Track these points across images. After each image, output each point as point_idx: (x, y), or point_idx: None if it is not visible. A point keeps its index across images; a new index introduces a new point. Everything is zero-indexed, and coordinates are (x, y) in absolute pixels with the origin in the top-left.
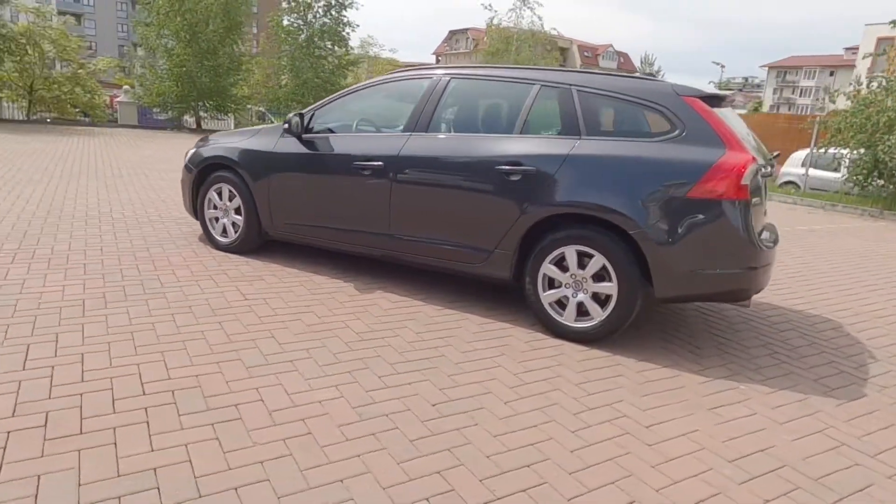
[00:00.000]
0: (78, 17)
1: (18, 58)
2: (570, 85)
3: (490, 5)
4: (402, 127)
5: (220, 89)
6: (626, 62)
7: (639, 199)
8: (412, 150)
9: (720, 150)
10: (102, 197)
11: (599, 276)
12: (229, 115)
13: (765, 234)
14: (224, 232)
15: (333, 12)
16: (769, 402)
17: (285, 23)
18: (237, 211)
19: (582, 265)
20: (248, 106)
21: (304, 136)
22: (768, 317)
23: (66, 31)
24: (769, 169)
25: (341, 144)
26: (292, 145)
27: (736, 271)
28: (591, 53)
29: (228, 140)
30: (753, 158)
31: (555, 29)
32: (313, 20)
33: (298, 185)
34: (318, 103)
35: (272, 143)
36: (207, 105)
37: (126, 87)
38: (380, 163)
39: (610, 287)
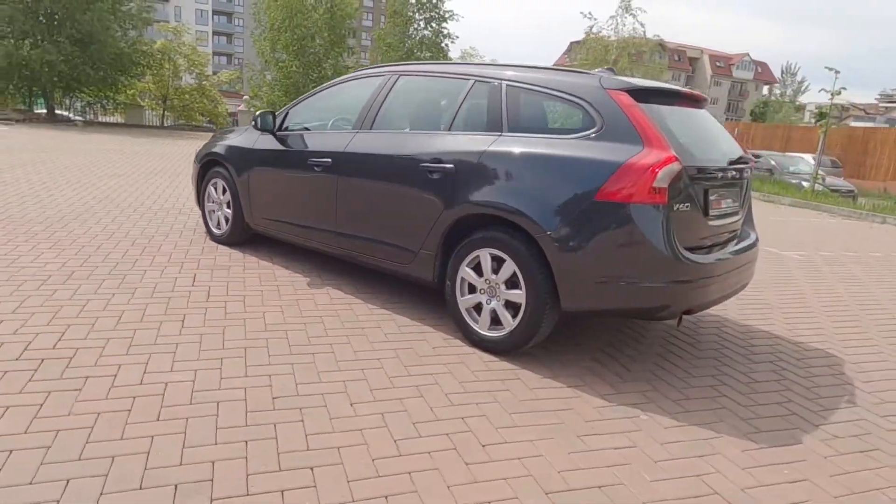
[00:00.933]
0: (229, 36)
1: (156, 71)
2: (501, 80)
3: (590, 13)
4: (351, 124)
5: None
6: (764, 72)
7: (545, 200)
8: (355, 147)
9: (636, 147)
10: (162, 191)
11: (512, 283)
12: None
13: (733, 246)
14: (218, 224)
15: (434, 25)
16: (663, 437)
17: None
18: (228, 205)
19: (497, 270)
20: None
21: (277, 133)
22: (752, 346)
23: (196, 47)
24: (733, 173)
25: (303, 141)
26: (267, 142)
27: (655, 285)
28: (723, 63)
29: (228, 136)
30: (674, 158)
31: (657, 36)
32: (414, 33)
33: (269, 181)
34: (294, 101)
35: (253, 140)
36: None
37: (246, 97)
38: (328, 160)
39: (520, 295)
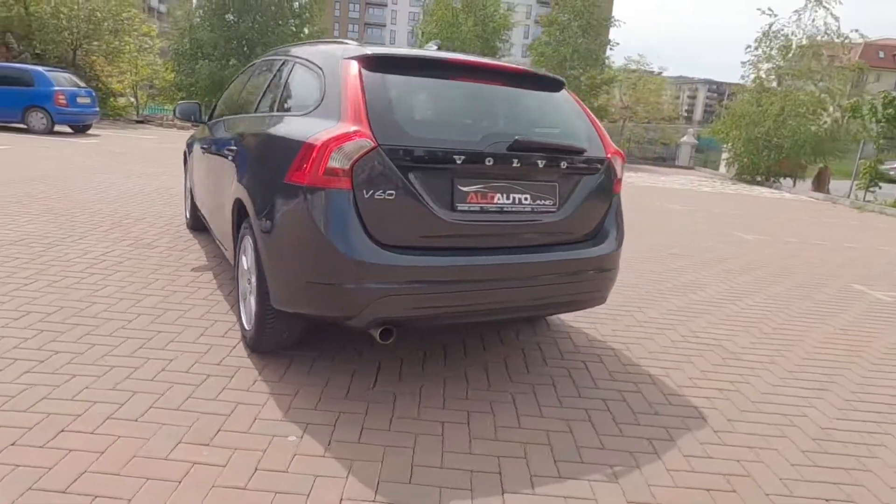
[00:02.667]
0: None
1: None
2: (296, 57)
3: (770, 10)
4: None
5: None
6: None
7: (257, 183)
8: (216, 134)
9: (332, 122)
10: None
11: None
12: None
13: (530, 253)
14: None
15: (592, 32)
16: (273, 464)
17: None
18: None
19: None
20: None
21: (208, 122)
22: (593, 388)
23: None
24: (513, 162)
25: (209, 130)
26: (199, 132)
27: (341, 286)
28: None
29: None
30: (361, 135)
31: (857, 31)
32: (569, 39)
33: (194, 169)
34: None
35: (203, 131)
36: None
37: None
38: (205, 146)
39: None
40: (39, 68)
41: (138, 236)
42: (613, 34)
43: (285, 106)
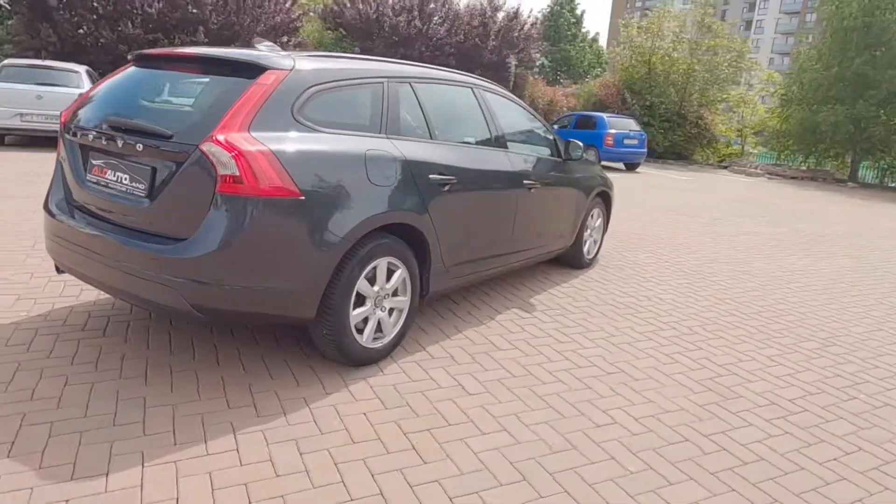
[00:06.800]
0: None
1: None
2: None
3: None
4: None
5: None
6: None
7: None
8: None
9: None
10: None
11: None
12: None
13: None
14: None
15: None
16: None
17: None
18: None
19: None
20: None
21: None
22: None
23: None
24: (108, 142)
25: None
26: None
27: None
28: None
29: None
30: (65, 113)
31: None
32: None
33: None
34: None
35: None
36: None
37: None
38: None
39: None
40: (602, 115)
41: None
42: None
43: None
